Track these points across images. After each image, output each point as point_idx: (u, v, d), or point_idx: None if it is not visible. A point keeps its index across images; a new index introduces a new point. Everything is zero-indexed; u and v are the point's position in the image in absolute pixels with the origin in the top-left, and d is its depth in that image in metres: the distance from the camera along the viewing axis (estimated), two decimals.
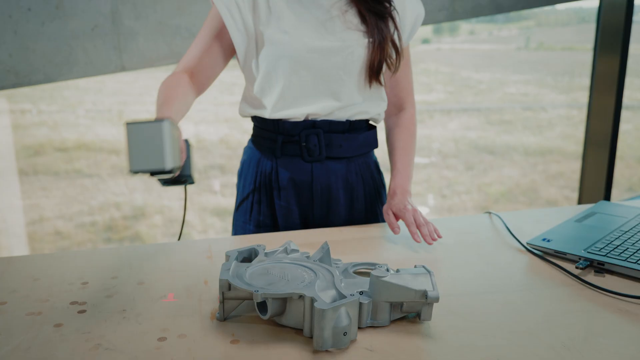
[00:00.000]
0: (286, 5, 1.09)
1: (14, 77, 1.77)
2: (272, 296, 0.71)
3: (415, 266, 0.81)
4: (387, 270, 0.78)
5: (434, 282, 0.76)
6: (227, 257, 0.83)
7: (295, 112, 1.13)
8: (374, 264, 0.87)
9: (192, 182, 0.92)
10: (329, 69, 1.10)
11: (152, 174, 0.74)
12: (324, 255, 0.84)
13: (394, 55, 1.13)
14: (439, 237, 1.04)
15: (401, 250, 1.03)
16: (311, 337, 0.72)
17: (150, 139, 0.72)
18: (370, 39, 1.10)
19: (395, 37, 1.13)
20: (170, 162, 0.73)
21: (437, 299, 0.73)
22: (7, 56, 1.75)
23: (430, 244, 1.03)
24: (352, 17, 1.10)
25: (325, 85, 1.11)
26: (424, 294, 0.73)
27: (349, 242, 1.07)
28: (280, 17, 1.08)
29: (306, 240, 1.07)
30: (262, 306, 0.73)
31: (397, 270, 0.78)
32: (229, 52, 1.14)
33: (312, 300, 0.70)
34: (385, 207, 1.13)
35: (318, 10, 1.09)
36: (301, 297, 0.72)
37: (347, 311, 0.70)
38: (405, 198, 1.12)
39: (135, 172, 0.73)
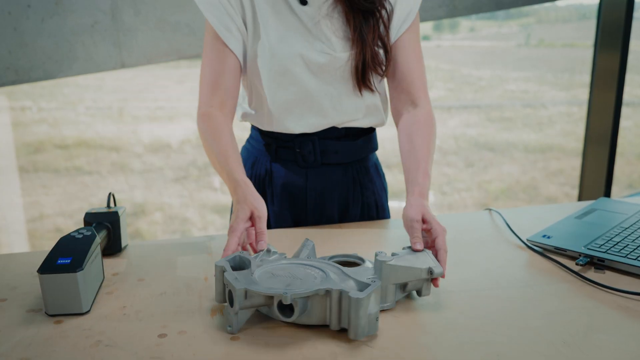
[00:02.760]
0: (273, 15, 1.03)
1: (13, 74, 1.77)
2: (300, 296, 0.71)
3: (403, 248, 0.84)
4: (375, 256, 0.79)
5: (433, 257, 0.80)
6: (219, 268, 0.77)
7: (285, 128, 1.10)
8: (349, 255, 0.89)
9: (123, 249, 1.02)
10: (318, 84, 1.06)
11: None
12: (310, 253, 0.85)
13: (383, 57, 1.06)
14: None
15: (399, 245, 1.03)
16: (339, 331, 0.72)
17: (66, 287, 0.77)
18: (355, 47, 1.04)
19: (384, 33, 1.06)
20: (87, 304, 0.79)
21: (442, 274, 0.77)
22: (7, 53, 1.75)
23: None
24: (337, 20, 1.04)
25: (312, 101, 1.08)
26: (430, 271, 0.77)
27: (342, 239, 1.06)
28: (267, 31, 1.03)
29: (304, 236, 1.07)
30: (285, 308, 0.72)
31: (393, 254, 0.80)
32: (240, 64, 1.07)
33: (341, 293, 0.71)
34: (415, 216, 0.89)
35: (304, 18, 1.03)
36: (327, 292, 0.71)
37: (375, 297, 0.71)
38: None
39: (52, 315, 0.79)
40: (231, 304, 0.73)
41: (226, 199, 5.28)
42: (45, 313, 0.78)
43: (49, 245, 4.34)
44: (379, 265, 0.76)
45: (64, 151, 6.34)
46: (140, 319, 0.77)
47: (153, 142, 6.73)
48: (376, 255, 0.78)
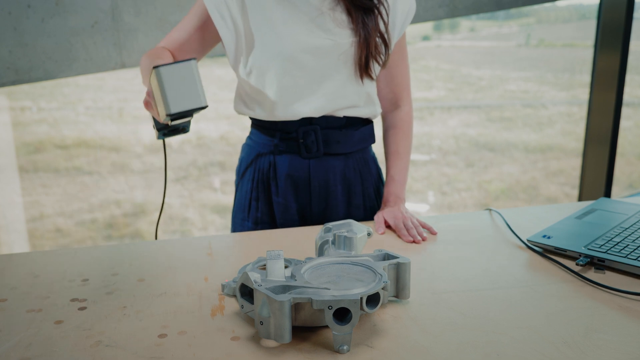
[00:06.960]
0: (277, 4, 1.08)
1: (13, 74, 1.77)
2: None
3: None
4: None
5: (357, 224, 0.90)
6: (279, 303, 0.68)
7: (291, 114, 1.13)
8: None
9: (187, 131, 0.94)
10: (322, 69, 1.10)
11: (188, 114, 0.74)
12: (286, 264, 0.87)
13: (383, 49, 1.12)
14: (424, 239, 1.06)
15: (396, 244, 1.03)
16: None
17: (183, 79, 0.72)
18: (357, 36, 1.10)
19: (383, 29, 1.12)
20: (205, 98, 0.74)
21: (371, 232, 0.90)
22: (7, 53, 1.75)
23: (419, 242, 1.05)
24: (340, 14, 1.10)
25: (318, 85, 1.11)
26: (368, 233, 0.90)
27: None
28: (270, 16, 1.07)
29: (304, 236, 1.07)
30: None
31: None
32: (210, 44, 1.16)
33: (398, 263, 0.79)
34: (378, 213, 1.16)
35: (308, 7, 1.08)
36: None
37: None
38: (398, 206, 1.14)
39: (173, 115, 0.73)
40: (341, 323, 0.68)
41: (226, 199, 5.29)
42: (166, 116, 0.72)
43: (49, 245, 4.35)
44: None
45: (64, 151, 6.34)
46: (140, 319, 0.77)
47: (153, 142, 6.73)
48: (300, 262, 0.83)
